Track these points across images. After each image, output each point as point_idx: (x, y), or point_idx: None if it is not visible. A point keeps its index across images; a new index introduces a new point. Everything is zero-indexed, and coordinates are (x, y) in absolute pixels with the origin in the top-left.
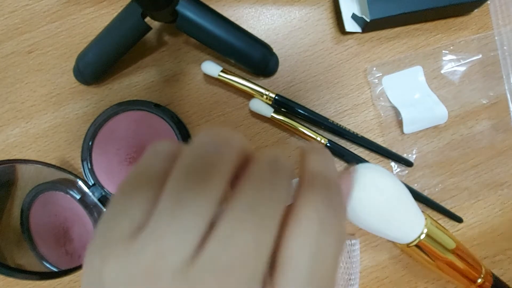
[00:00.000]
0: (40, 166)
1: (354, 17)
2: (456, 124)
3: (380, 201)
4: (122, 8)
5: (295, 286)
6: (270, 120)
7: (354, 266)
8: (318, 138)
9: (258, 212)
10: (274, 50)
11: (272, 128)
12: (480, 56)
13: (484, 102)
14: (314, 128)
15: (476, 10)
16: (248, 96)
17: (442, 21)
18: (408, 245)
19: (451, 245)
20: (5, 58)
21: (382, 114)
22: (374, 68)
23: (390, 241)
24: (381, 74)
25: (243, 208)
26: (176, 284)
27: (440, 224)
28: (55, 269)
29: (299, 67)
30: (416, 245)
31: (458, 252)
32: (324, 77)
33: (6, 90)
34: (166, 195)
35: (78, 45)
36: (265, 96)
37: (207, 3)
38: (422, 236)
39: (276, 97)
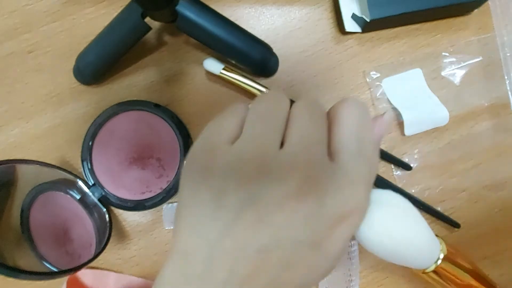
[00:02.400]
0: (40, 166)
1: (354, 17)
2: (456, 125)
3: (395, 228)
4: (122, 8)
5: (348, 136)
6: None
7: (354, 266)
8: None
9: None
10: (274, 50)
11: None
12: (481, 58)
13: (485, 103)
14: None
15: (476, 10)
16: (249, 95)
17: (442, 21)
18: (424, 271)
19: (467, 267)
20: (5, 58)
21: None
22: (373, 71)
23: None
24: (380, 75)
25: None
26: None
27: (452, 247)
28: (55, 269)
29: (299, 67)
30: (434, 271)
31: (474, 274)
32: (324, 77)
33: (6, 90)
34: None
35: (78, 45)
36: None
37: (207, 3)
38: (439, 262)
39: None
